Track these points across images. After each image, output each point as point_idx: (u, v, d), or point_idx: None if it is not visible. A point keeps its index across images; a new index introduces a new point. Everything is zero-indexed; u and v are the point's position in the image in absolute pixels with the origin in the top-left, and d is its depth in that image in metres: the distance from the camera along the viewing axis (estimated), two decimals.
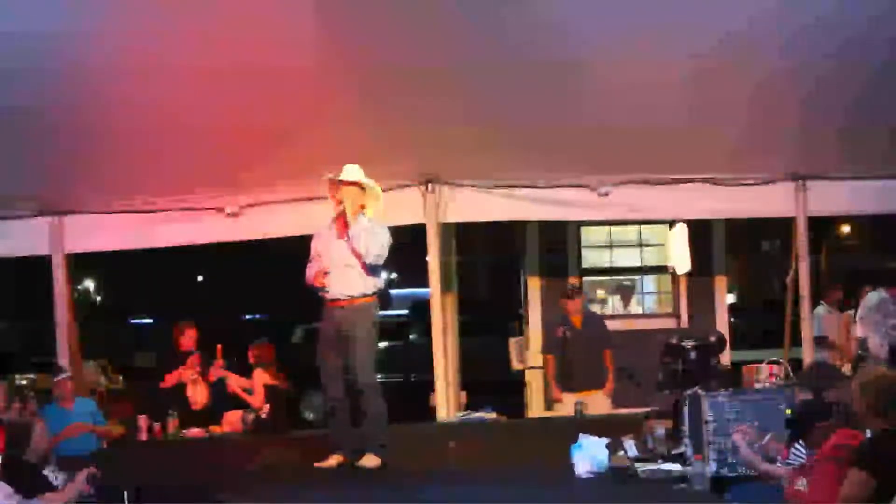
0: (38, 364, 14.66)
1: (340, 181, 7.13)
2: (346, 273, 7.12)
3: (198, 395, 9.02)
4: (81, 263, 10.46)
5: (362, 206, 7.18)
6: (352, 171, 7.17)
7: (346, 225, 7.09)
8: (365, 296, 7.16)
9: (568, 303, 9.50)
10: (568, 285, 10.49)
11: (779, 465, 5.82)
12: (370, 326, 7.20)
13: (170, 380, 9.02)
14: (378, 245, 7.11)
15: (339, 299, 7.14)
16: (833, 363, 9.98)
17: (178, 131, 7.82)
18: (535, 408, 10.87)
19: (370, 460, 7.05)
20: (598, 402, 9.13)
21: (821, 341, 10.38)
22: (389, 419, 7.29)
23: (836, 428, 5.30)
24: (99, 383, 12.48)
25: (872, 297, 9.59)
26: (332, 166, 7.19)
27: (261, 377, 9.28)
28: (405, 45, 7.11)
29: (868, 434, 5.04)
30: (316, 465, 7.16)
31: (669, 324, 10.94)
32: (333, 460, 7.17)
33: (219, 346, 9.29)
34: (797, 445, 5.74)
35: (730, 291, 15.44)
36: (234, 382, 9.31)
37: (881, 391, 4.92)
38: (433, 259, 9.10)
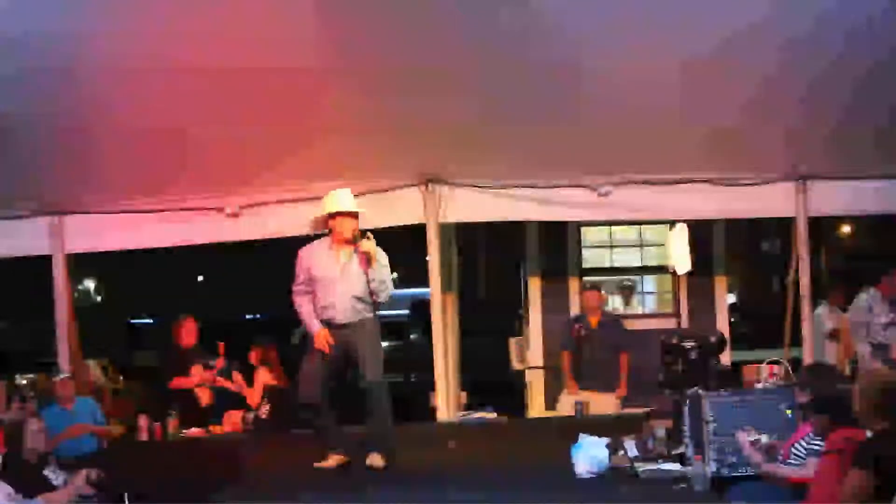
0: (38, 364, 14.66)
1: (339, 213, 7.13)
2: (352, 301, 7.15)
3: (204, 394, 9.07)
4: (81, 263, 10.44)
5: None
6: (347, 198, 7.19)
7: (367, 262, 7.10)
8: (365, 317, 7.22)
9: (586, 295, 9.55)
10: (586, 283, 10.65)
11: (779, 463, 5.83)
12: (373, 329, 7.23)
13: (179, 383, 9.07)
14: (390, 282, 7.24)
15: (343, 324, 7.17)
16: (836, 360, 10.05)
17: (178, 131, 7.82)
18: (535, 408, 10.88)
19: (376, 460, 7.05)
20: (606, 403, 9.14)
21: (833, 334, 10.40)
22: None
23: (837, 426, 5.32)
24: (103, 382, 12.47)
25: (862, 296, 9.61)
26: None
27: (263, 377, 9.30)
28: (405, 46, 7.10)
29: (868, 434, 5.05)
30: (316, 465, 7.16)
31: (669, 324, 10.94)
32: (333, 461, 7.17)
33: (221, 343, 9.31)
34: (797, 445, 5.74)
35: (730, 291, 15.43)
36: (235, 386, 9.35)
37: (882, 391, 4.93)
38: (433, 259, 9.10)
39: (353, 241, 7.14)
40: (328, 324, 7.18)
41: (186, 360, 9.22)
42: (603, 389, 9.27)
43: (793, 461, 5.71)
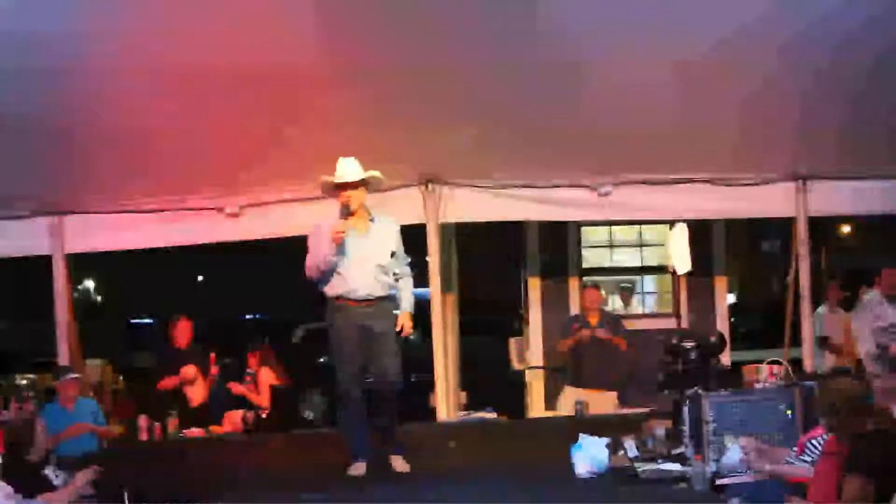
0: (38, 364, 14.66)
1: (346, 184, 7.05)
2: (373, 273, 7.04)
3: (196, 394, 9.06)
4: (81, 263, 10.44)
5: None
6: (352, 168, 7.09)
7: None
8: (388, 294, 7.13)
9: (586, 292, 9.55)
10: (586, 282, 10.71)
11: (788, 459, 5.84)
12: (394, 324, 7.13)
13: (168, 383, 9.08)
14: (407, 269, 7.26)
15: (366, 299, 7.02)
16: (833, 362, 10.04)
17: (178, 131, 7.82)
18: (535, 408, 10.88)
19: (401, 463, 7.04)
20: (605, 402, 9.14)
21: (822, 342, 10.38)
22: None
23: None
24: (108, 382, 12.50)
25: (865, 298, 9.62)
26: (331, 166, 7.19)
27: (267, 377, 9.30)
28: (405, 46, 7.10)
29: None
30: (348, 472, 7.03)
31: (669, 324, 10.94)
32: (361, 468, 7.07)
33: (212, 354, 9.31)
34: (813, 441, 5.74)
35: (730, 291, 15.42)
36: (235, 389, 9.36)
37: (846, 402, 4.98)
38: (433, 259, 9.10)
39: (347, 211, 7.00)
40: (347, 300, 7.00)
41: (180, 360, 9.22)
42: (602, 387, 9.27)
43: (806, 457, 5.72)
